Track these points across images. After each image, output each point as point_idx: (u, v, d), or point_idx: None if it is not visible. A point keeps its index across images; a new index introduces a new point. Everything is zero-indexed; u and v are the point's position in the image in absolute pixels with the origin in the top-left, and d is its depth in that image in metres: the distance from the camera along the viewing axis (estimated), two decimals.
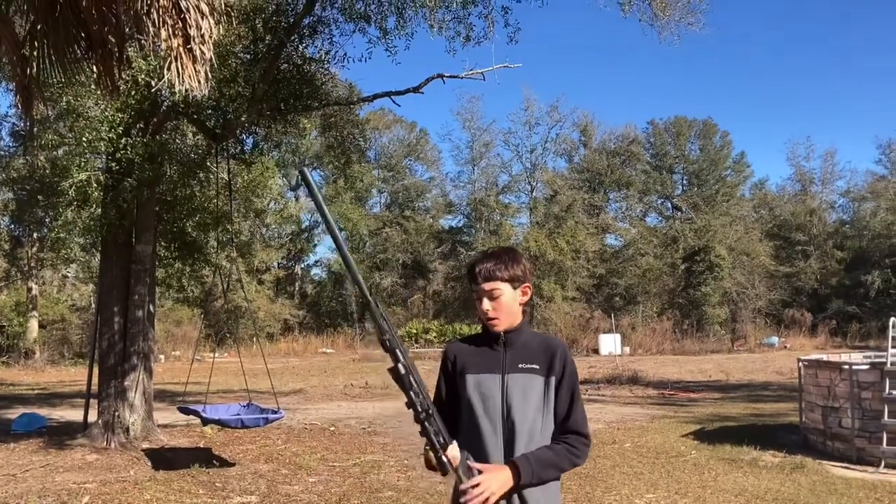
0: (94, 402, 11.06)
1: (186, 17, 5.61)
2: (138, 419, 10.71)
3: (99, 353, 11.07)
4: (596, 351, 35.83)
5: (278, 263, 51.02)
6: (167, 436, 11.24)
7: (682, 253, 47.39)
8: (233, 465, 9.42)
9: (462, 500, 2.46)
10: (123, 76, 7.83)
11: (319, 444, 11.00)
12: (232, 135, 11.32)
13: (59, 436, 11.25)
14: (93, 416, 10.97)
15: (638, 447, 10.51)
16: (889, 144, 52.97)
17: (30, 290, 31.51)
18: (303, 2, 10.80)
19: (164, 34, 5.58)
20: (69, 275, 36.35)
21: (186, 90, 5.70)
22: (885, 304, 42.65)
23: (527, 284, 2.76)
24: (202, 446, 10.77)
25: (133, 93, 9.67)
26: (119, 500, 7.60)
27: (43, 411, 14.12)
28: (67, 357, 31.01)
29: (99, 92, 8.44)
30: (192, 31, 5.63)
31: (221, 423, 9.70)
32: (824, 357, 11.99)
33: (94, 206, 10.77)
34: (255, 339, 32.28)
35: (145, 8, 5.57)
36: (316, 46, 11.45)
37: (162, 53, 5.86)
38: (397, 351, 2.38)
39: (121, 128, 9.92)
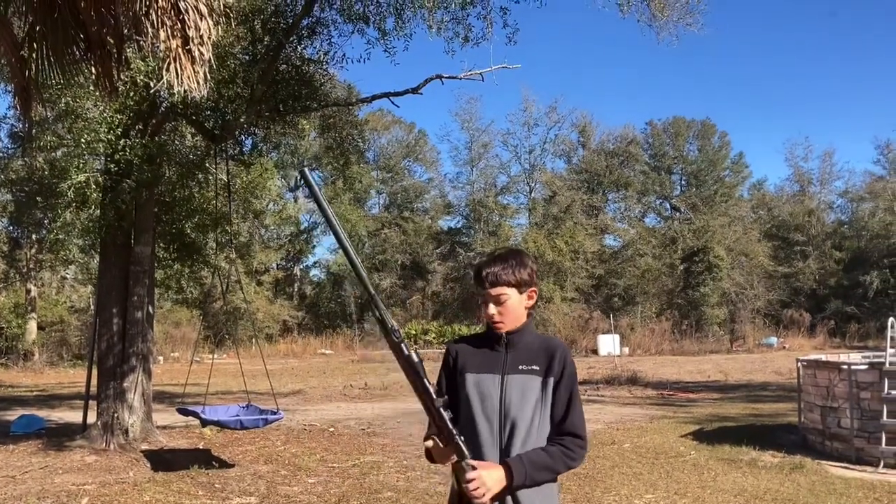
0: (93, 403, 11.05)
1: (185, 18, 5.61)
2: (137, 420, 10.70)
3: (98, 354, 11.06)
4: (595, 351, 35.84)
5: (277, 264, 51.00)
6: (166, 437, 11.23)
7: (681, 253, 47.41)
8: (232, 466, 9.41)
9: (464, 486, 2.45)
10: (122, 77, 7.84)
11: (318, 445, 11.00)
12: (231, 136, 11.32)
13: (58, 437, 11.24)
14: (92, 418, 10.95)
15: (637, 448, 10.51)
16: (887, 145, 53.14)
17: (28, 291, 31.47)
18: (301, 3, 10.80)
19: (162, 35, 5.58)
20: (68, 276, 36.33)
21: (185, 91, 5.70)
22: (883, 305, 42.69)
23: (533, 289, 2.76)
24: (201, 447, 10.76)
25: (132, 94, 9.67)
26: (118, 501, 7.60)
27: (42, 413, 14.11)
28: (66, 358, 30.97)
29: (98, 93, 8.44)
30: (191, 32, 5.63)
31: (220, 425, 9.68)
32: (823, 357, 12.00)
33: (93, 207, 10.76)
34: (254, 340, 32.24)
35: (144, 9, 5.57)
36: (314, 47, 11.45)
37: (161, 54, 5.86)
38: (402, 345, 2.39)
39: (119, 129, 9.91)
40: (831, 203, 56.62)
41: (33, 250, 30.49)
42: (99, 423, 10.64)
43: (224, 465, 9.44)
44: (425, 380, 2.40)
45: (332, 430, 12.64)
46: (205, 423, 9.70)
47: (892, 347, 9.39)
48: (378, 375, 24.24)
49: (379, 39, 11.14)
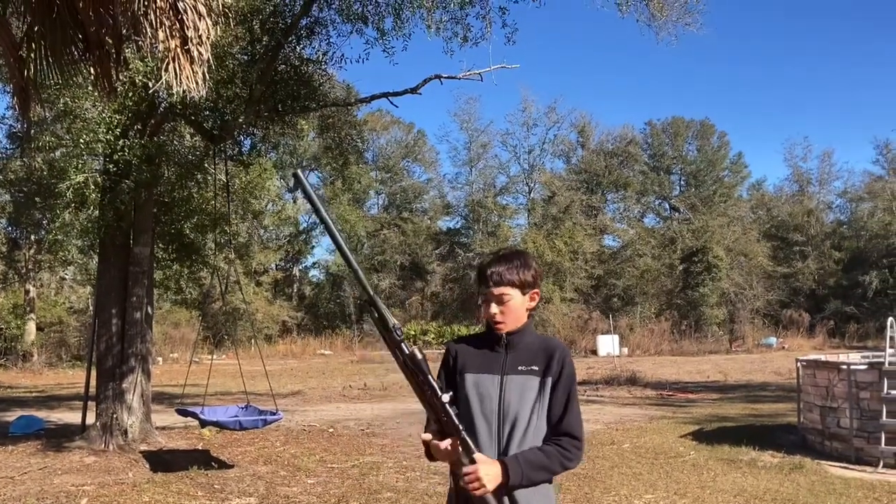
0: (91, 404, 11.04)
1: (184, 18, 5.60)
2: (136, 421, 10.69)
3: (97, 355, 11.05)
4: (594, 352, 35.85)
5: (276, 265, 50.96)
6: (165, 438, 11.22)
7: (680, 254, 47.42)
8: (231, 466, 9.40)
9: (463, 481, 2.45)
10: (121, 77, 7.83)
11: (318, 446, 10.99)
12: (229, 136, 11.30)
13: (57, 438, 11.22)
14: (91, 419, 10.94)
15: (636, 448, 10.50)
16: (886, 145, 53.14)
17: (27, 292, 31.44)
18: (300, 3, 10.79)
19: (161, 35, 5.57)
20: (67, 277, 36.30)
21: (184, 91, 5.69)
22: (882, 305, 42.71)
23: (536, 290, 2.77)
24: (200, 448, 10.75)
25: (130, 94, 9.66)
26: (117, 502, 7.59)
27: (41, 414, 14.10)
28: (65, 359, 30.94)
29: (96, 93, 8.42)
30: (190, 33, 5.63)
31: (219, 425, 9.68)
32: (822, 357, 12.01)
33: (92, 207, 10.75)
34: (253, 340, 32.24)
35: (143, 9, 5.56)
36: (313, 47, 11.44)
37: (159, 55, 5.85)
38: (403, 344, 2.39)
39: (118, 129, 9.90)
40: (830, 203, 56.76)
41: (32, 251, 30.47)
42: (98, 423, 10.63)
43: (223, 465, 9.43)
44: (430, 376, 2.40)
45: (331, 430, 12.64)
46: (204, 423, 9.69)
47: (891, 347, 9.39)
48: (377, 376, 24.24)
49: (378, 39, 11.15)
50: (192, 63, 5.66)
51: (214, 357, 26.02)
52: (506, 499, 2.54)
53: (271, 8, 10.70)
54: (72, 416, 13.26)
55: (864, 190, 53.08)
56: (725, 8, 65.86)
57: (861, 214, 52.88)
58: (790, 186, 57.57)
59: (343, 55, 11.47)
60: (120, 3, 5.80)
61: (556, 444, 2.60)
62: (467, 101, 51.80)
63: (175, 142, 12.42)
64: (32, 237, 29.71)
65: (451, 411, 2.42)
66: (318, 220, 2.43)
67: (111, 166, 10.17)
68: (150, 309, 11.37)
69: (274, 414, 9.69)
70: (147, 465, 9.45)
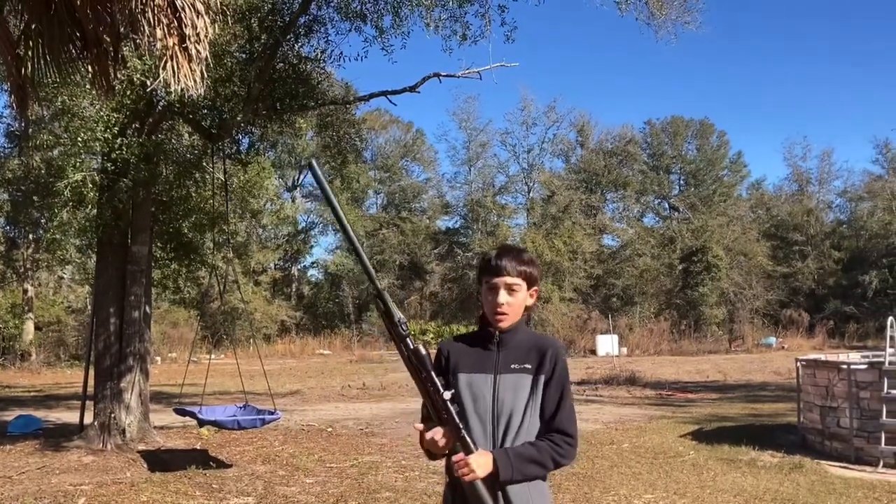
0: (90, 403, 11.01)
1: (182, 15, 5.57)
2: (134, 421, 10.67)
3: (95, 354, 11.03)
4: (593, 352, 35.84)
5: (275, 264, 50.97)
6: (163, 437, 11.20)
7: (680, 253, 47.43)
8: (229, 466, 9.38)
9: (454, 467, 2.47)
10: (119, 76, 7.79)
11: (317, 446, 10.97)
12: (228, 135, 11.28)
13: (56, 438, 11.20)
14: (89, 418, 10.92)
15: (636, 448, 10.49)
16: (886, 144, 53.16)
17: (25, 291, 31.41)
18: (298, 1, 10.77)
19: (159, 33, 5.54)
20: (65, 276, 36.29)
21: (182, 90, 5.66)
22: (882, 304, 42.71)
23: (536, 288, 2.77)
24: (198, 448, 10.72)
25: (128, 92, 9.63)
26: (115, 501, 7.56)
27: (39, 413, 14.07)
28: (63, 359, 30.93)
29: (94, 92, 8.40)
30: (188, 31, 5.60)
31: (217, 425, 9.66)
32: (822, 357, 11.98)
33: (90, 206, 10.73)
34: (251, 340, 32.23)
35: (140, 7, 5.53)
36: (312, 45, 11.42)
37: (157, 53, 5.83)
38: (408, 339, 2.42)
39: (116, 128, 9.88)
40: (830, 203, 56.79)
41: (30, 250, 30.44)
42: (96, 423, 10.61)
43: (221, 465, 9.41)
44: (432, 373, 2.43)
45: (330, 430, 12.61)
46: (202, 423, 9.67)
47: (891, 347, 9.36)
48: (376, 376, 24.24)
49: (376, 37, 11.13)
50: (189, 61, 5.63)
51: (213, 356, 26.02)
52: (500, 497, 2.53)
53: (269, 6, 10.67)
54: (70, 416, 13.24)
55: (863, 189, 53.11)
56: (725, 7, 65.92)
57: (861, 214, 52.88)
58: (790, 186, 57.69)
59: (342, 53, 11.47)
60: (118, 1, 5.77)
61: (548, 440, 2.60)
62: (466, 99, 51.78)
63: (173, 140, 12.40)
64: (30, 236, 29.67)
65: (452, 409, 2.44)
66: (322, 218, 2.44)
67: (109, 165, 10.15)
68: (148, 308, 11.35)
69: (272, 413, 9.67)
70: (145, 465, 9.43)
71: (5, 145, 25.82)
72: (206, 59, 5.79)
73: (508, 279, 2.67)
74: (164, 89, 8.13)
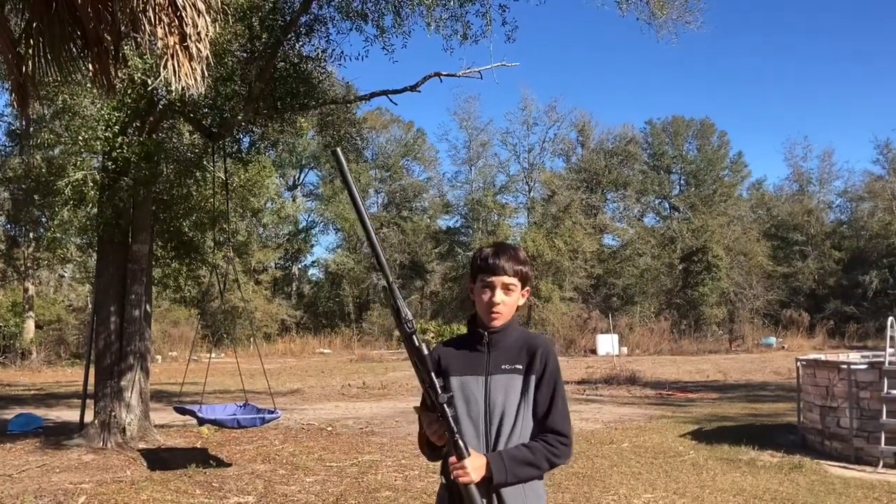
0: (90, 402, 11.02)
1: (183, 14, 5.57)
2: (135, 419, 10.67)
3: (95, 353, 11.03)
4: (594, 351, 35.83)
5: (275, 263, 50.99)
6: (164, 436, 11.20)
7: (680, 253, 47.43)
8: (229, 465, 9.38)
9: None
10: (119, 74, 7.79)
11: (317, 445, 10.97)
12: (228, 133, 11.28)
13: (56, 436, 11.21)
14: (89, 417, 10.92)
15: (636, 447, 10.49)
16: (886, 144, 53.13)
17: (26, 290, 31.43)
18: (300, 0, 10.78)
19: (160, 32, 5.55)
20: (65, 275, 36.32)
21: (183, 88, 5.66)
22: (882, 305, 42.72)
23: (528, 288, 2.76)
24: (199, 446, 10.72)
25: (129, 91, 9.64)
26: (115, 500, 7.57)
27: (39, 412, 14.08)
28: (64, 357, 30.96)
29: (95, 90, 8.41)
30: (189, 29, 5.60)
31: (217, 424, 9.66)
32: (822, 357, 11.97)
33: (91, 205, 10.74)
34: (251, 339, 32.23)
35: (141, 6, 5.54)
36: (313, 45, 11.43)
37: (158, 51, 5.84)
38: (414, 337, 2.41)
39: (117, 127, 9.88)
40: (830, 203, 56.77)
41: (31, 249, 30.44)
42: (96, 421, 10.61)
43: (221, 464, 9.41)
44: (432, 373, 2.42)
45: (330, 429, 12.62)
46: (202, 421, 9.68)
47: (891, 347, 9.36)
48: (376, 375, 24.25)
49: (377, 37, 11.16)
50: (190, 60, 5.63)
51: (213, 355, 26.02)
52: (494, 497, 2.52)
53: (270, 5, 10.67)
54: (70, 414, 13.24)
55: (864, 189, 53.09)
56: (726, 7, 65.87)
57: (861, 214, 52.89)
58: (790, 186, 57.67)
59: (342, 52, 11.50)
60: (118, 0, 5.77)
61: (542, 441, 2.58)
62: (467, 99, 51.88)
63: (174, 139, 12.41)
64: (31, 235, 29.69)
65: (448, 412, 2.42)
66: (353, 207, 2.48)
67: (110, 164, 10.16)
68: (148, 307, 11.35)
69: (272, 412, 9.67)
70: (145, 464, 9.43)
71: (6, 144, 25.87)
72: (207, 57, 5.79)
73: (505, 278, 2.66)
74: (164, 88, 8.16)
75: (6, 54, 6.11)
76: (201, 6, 5.68)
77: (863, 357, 11.49)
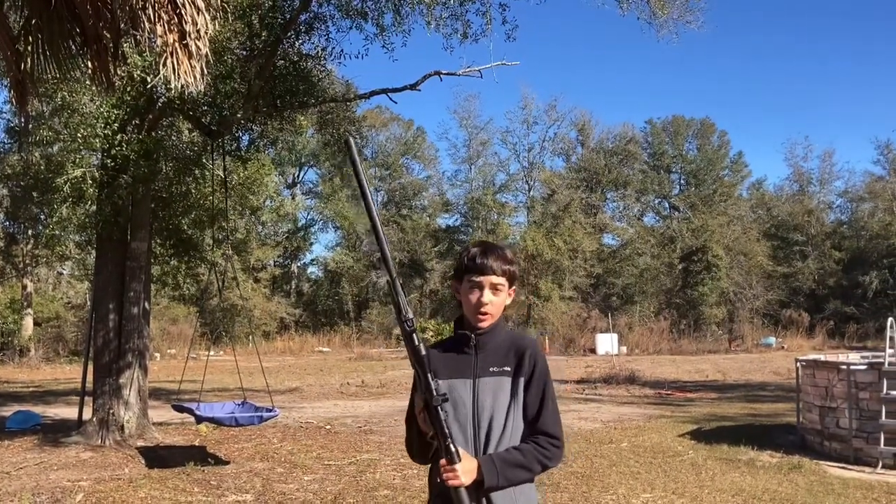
0: (88, 399, 11.01)
1: (182, 12, 5.56)
2: (133, 417, 10.66)
3: (94, 350, 11.02)
4: (593, 350, 35.83)
5: (274, 261, 50.98)
6: (162, 434, 11.19)
7: (680, 253, 47.44)
8: (227, 463, 9.37)
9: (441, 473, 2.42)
10: (119, 72, 7.78)
11: (315, 443, 10.96)
12: (228, 131, 11.27)
13: (54, 433, 11.20)
14: (87, 414, 10.92)
15: (635, 447, 10.48)
16: (887, 145, 53.14)
17: (25, 287, 31.42)
18: None
19: (159, 30, 5.53)
20: (64, 272, 36.32)
21: (182, 86, 5.65)
22: (882, 305, 42.73)
23: (514, 287, 2.71)
24: (197, 444, 10.72)
25: (128, 89, 9.63)
26: (113, 497, 7.56)
27: (37, 409, 14.06)
28: (62, 354, 30.96)
29: (94, 88, 8.40)
30: (188, 27, 5.59)
31: (215, 421, 9.65)
32: (822, 357, 11.97)
33: (90, 202, 10.72)
34: (250, 337, 32.24)
35: (141, 3, 5.52)
36: (312, 43, 11.41)
37: (157, 49, 5.82)
38: (414, 335, 2.37)
39: (116, 124, 9.87)
40: (831, 203, 56.78)
41: (29, 246, 30.45)
42: (95, 419, 10.60)
43: (220, 462, 9.41)
44: (429, 374, 2.37)
45: (328, 427, 12.61)
46: (199, 419, 9.66)
47: (890, 348, 9.35)
48: (375, 373, 24.24)
49: (377, 35, 11.14)
50: (190, 58, 5.62)
51: (212, 353, 26.00)
52: (484, 501, 2.47)
53: (270, 3, 10.66)
54: (68, 412, 13.24)
55: (864, 190, 53.09)
56: (727, 6, 65.86)
57: (861, 214, 52.89)
58: (790, 186, 57.67)
59: (342, 51, 11.48)
60: None
61: (533, 443, 2.54)
62: (467, 98, 52.04)
63: (173, 137, 12.40)
64: (30, 232, 29.70)
65: (441, 415, 2.38)
66: (361, 199, 2.47)
67: (109, 161, 10.15)
68: (147, 304, 11.34)
69: (270, 411, 9.66)
70: (143, 461, 9.43)
71: (5, 141, 25.87)
72: (207, 55, 5.78)
73: (494, 278, 2.60)
74: (164, 86, 8.15)
75: (5, 51, 6.09)
76: (201, 4, 5.67)
77: (862, 358, 11.49)
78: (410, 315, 2.38)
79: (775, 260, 48.57)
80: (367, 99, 13.16)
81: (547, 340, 37.32)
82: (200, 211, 12.38)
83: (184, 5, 5.57)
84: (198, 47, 5.67)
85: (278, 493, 7.83)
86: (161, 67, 5.59)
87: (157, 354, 31.00)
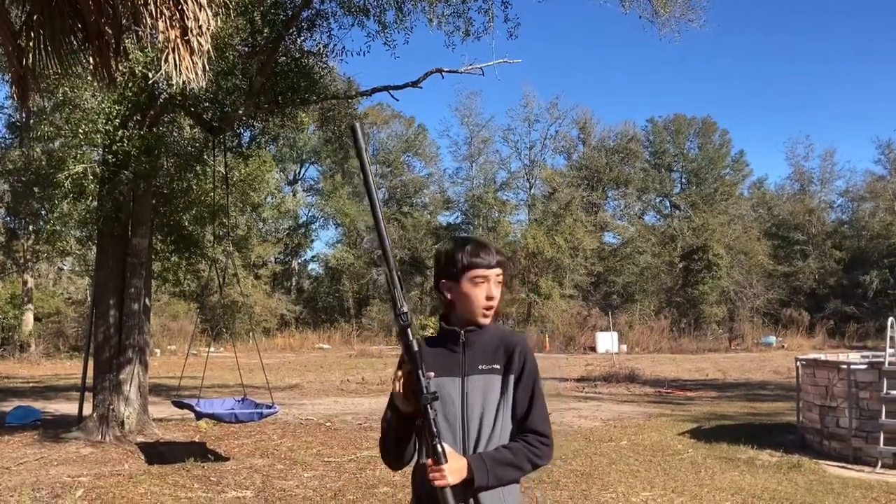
0: (89, 395, 11.02)
1: (184, 8, 5.55)
2: (133, 413, 10.67)
3: (94, 346, 11.02)
4: (593, 349, 35.83)
5: (275, 258, 50.97)
6: (162, 430, 11.20)
7: (680, 251, 47.42)
8: (227, 459, 9.38)
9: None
10: (120, 68, 7.79)
11: (315, 440, 10.97)
12: (229, 128, 11.27)
13: (54, 429, 11.20)
14: (88, 410, 10.93)
15: (634, 445, 10.48)
16: (888, 144, 53.10)
17: (25, 282, 31.42)
18: None
19: (161, 25, 5.52)
20: (65, 268, 36.33)
21: (184, 82, 5.64)
22: (883, 305, 42.71)
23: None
24: (197, 441, 10.72)
25: (130, 85, 9.62)
26: (113, 493, 7.56)
27: (38, 404, 14.08)
28: (63, 350, 30.97)
29: (96, 83, 8.40)
30: (190, 23, 5.58)
31: (215, 418, 9.65)
32: (822, 357, 11.96)
33: (91, 198, 10.72)
34: (250, 333, 32.24)
35: None
36: (314, 40, 11.41)
37: (159, 45, 5.82)
38: (409, 330, 2.33)
39: (117, 120, 9.87)
40: (832, 202, 56.73)
41: (30, 241, 30.46)
42: (95, 415, 10.61)
43: (220, 458, 9.41)
44: (420, 370, 2.33)
45: (328, 424, 12.61)
46: (199, 415, 9.66)
47: (891, 347, 9.35)
48: (375, 370, 24.25)
49: (379, 32, 11.13)
50: (191, 54, 5.61)
51: (212, 349, 26.03)
52: (472, 501, 2.45)
53: None
54: (69, 407, 13.24)
55: (865, 189, 53.04)
56: (728, 5, 65.77)
57: (862, 214, 52.86)
58: (791, 185, 57.64)
59: (344, 48, 11.49)
60: None
61: (522, 441, 2.52)
62: (468, 95, 51.93)
63: (174, 133, 12.39)
64: (31, 227, 29.72)
65: (431, 414, 2.34)
66: (364, 187, 2.46)
67: (110, 157, 10.14)
68: (147, 300, 11.34)
69: (270, 407, 9.67)
70: (143, 457, 9.43)
71: (6, 136, 25.87)
72: (209, 51, 5.77)
73: (495, 272, 2.58)
74: (165, 82, 8.15)
75: (7, 46, 6.09)
76: (203, 0, 5.66)
77: (862, 357, 11.48)
78: (406, 309, 2.33)
79: (776, 259, 48.55)
80: (368, 96, 13.16)
81: (547, 338, 37.35)
82: (201, 207, 12.38)
83: (186, 1, 5.56)
84: (200, 43, 5.66)
85: (278, 490, 7.84)
86: (163, 63, 5.59)
87: (158, 350, 31.01)
